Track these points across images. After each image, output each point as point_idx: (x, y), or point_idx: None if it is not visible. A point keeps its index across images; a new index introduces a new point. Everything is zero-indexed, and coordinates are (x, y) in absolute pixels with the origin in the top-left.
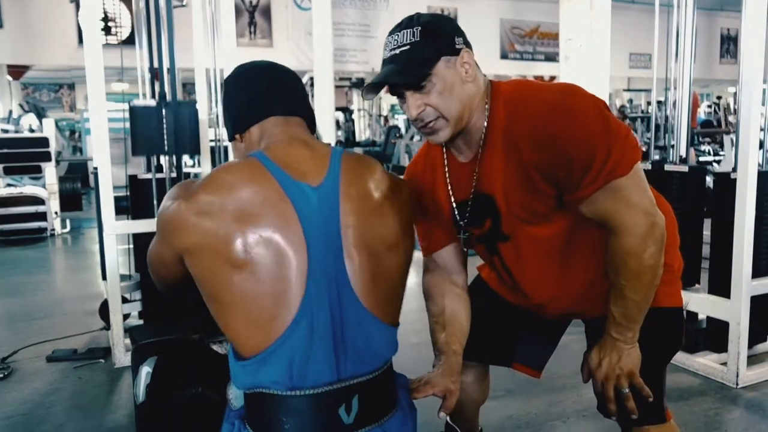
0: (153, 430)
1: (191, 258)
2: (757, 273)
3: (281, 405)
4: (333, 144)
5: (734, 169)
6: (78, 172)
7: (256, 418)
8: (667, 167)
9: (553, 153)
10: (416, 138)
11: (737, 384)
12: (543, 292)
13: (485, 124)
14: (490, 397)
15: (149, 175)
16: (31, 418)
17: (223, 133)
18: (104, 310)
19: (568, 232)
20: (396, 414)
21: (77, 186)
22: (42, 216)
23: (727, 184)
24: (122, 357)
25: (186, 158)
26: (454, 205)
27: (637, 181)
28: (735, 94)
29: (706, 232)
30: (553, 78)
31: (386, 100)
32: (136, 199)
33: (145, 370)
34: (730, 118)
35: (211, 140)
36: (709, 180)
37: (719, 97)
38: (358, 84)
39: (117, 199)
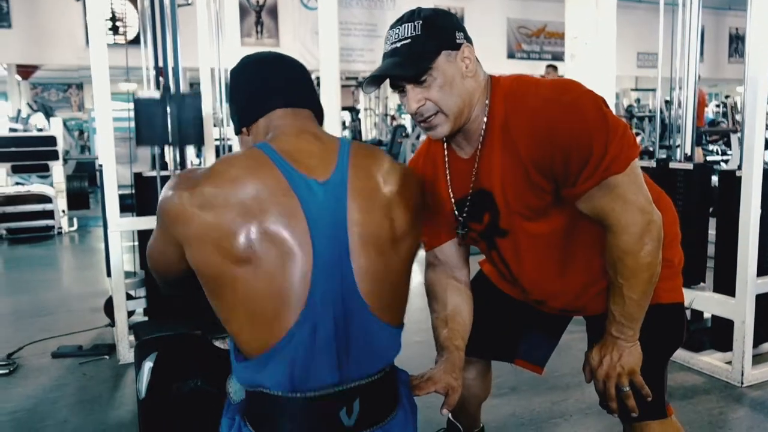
0: (155, 426)
1: (192, 250)
2: (762, 271)
3: (281, 406)
4: None
5: (740, 167)
6: (85, 171)
7: (256, 416)
8: (672, 165)
9: (550, 148)
10: (422, 137)
11: (742, 383)
12: (541, 288)
13: (485, 119)
14: (493, 395)
15: (154, 173)
16: (36, 414)
17: (228, 132)
18: (109, 307)
19: (566, 229)
20: (397, 414)
21: (84, 184)
22: (49, 214)
23: (732, 182)
24: (126, 353)
25: (192, 155)
26: (453, 201)
27: (634, 179)
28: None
29: (712, 231)
30: (560, 78)
31: (393, 98)
32: (141, 197)
33: (148, 366)
34: (738, 117)
35: (216, 139)
36: (715, 179)
37: (727, 97)
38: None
39: (122, 197)
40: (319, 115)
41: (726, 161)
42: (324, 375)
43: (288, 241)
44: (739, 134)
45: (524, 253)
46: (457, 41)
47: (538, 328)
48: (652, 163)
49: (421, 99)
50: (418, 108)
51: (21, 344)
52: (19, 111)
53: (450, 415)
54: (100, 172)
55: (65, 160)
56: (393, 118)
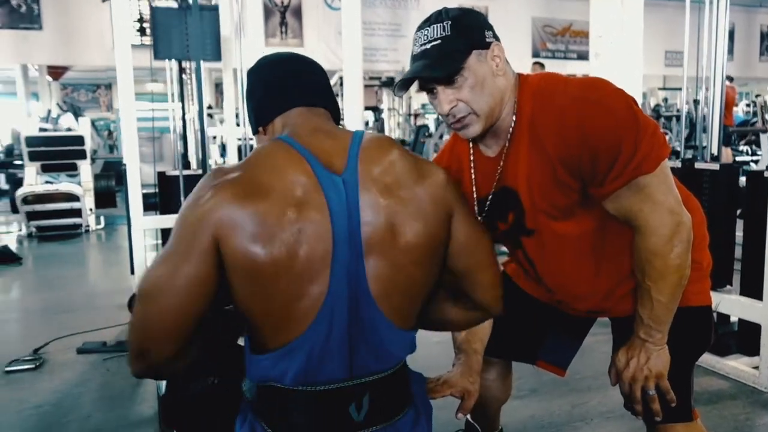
0: (175, 422)
1: (230, 240)
2: None
3: (292, 399)
4: None
5: None
6: (112, 170)
7: (267, 411)
8: (698, 165)
9: (578, 146)
10: (445, 136)
11: None
12: (567, 289)
13: (513, 118)
14: (513, 397)
15: (177, 172)
16: (60, 408)
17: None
18: (133, 304)
19: (594, 231)
20: (408, 413)
21: (112, 183)
22: (77, 212)
23: (760, 182)
24: None
25: (216, 156)
26: (477, 199)
27: (663, 179)
28: None
29: (739, 233)
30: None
31: (416, 99)
32: (165, 195)
33: None
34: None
35: (239, 138)
36: (743, 180)
37: (758, 96)
38: (388, 83)
39: (146, 196)
40: (335, 113)
41: (756, 161)
42: (335, 369)
43: (315, 238)
44: None
45: (550, 253)
46: (487, 40)
47: (562, 330)
48: (678, 164)
49: (453, 100)
50: (451, 109)
51: (47, 340)
52: (49, 111)
53: (469, 417)
54: (125, 171)
55: (93, 160)
56: (416, 117)
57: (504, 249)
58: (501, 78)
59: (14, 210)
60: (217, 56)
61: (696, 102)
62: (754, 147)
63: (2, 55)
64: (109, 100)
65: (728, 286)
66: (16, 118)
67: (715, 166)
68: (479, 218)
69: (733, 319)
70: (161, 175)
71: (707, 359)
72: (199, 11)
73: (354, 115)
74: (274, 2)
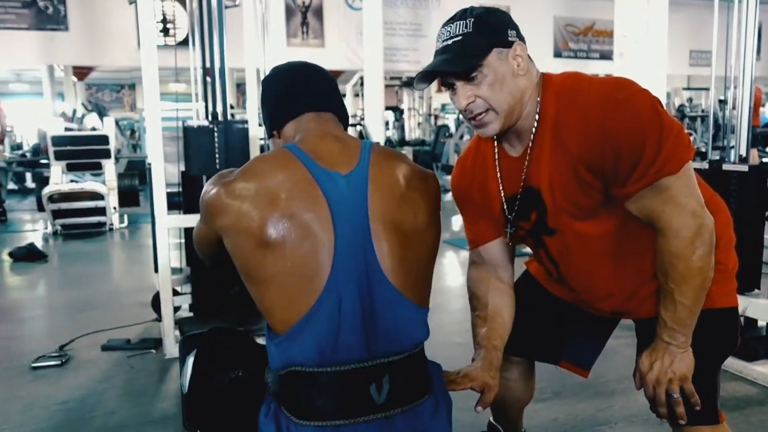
0: (198, 420)
1: (228, 237)
2: None
3: (312, 381)
4: (382, 143)
5: None
6: (136, 169)
7: (290, 397)
8: (726, 167)
9: (601, 146)
10: (465, 137)
11: None
12: (589, 289)
13: (536, 117)
14: (536, 399)
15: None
16: (85, 405)
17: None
18: (156, 303)
19: (618, 232)
20: (429, 400)
21: (135, 182)
22: (102, 211)
23: None
24: (172, 348)
25: None
26: (504, 199)
27: (686, 181)
28: None
29: (767, 236)
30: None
31: (436, 98)
32: (188, 195)
33: (191, 360)
34: None
35: (261, 138)
36: None
37: None
38: (409, 83)
39: (170, 195)
40: (342, 117)
41: None
42: (352, 350)
43: (311, 224)
44: None
45: (573, 253)
46: (509, 39)
47: (585, 330)
48: (705, 165)
49: (470, 96)
50: (468, 105)
51: (73, 336)
52: (74, 111)
53: (491, 418)
54: (149, 170)
55: (117, 159)
56: (437, 117)
57: (527, 249)
58: (522, 78)
59: (40, 208)
60: None
61: (721, 102)
62: None
63: (29, 55)
64: (133, 100)
65: (756, 290)
66: (42, 118)
67: (744, 168)
68: (508, 217)
69: (761, 323)
70: (185, 175)
71: (734, 364)
72: (228, 125)
73: (375, 115)
74: (296, 2)
